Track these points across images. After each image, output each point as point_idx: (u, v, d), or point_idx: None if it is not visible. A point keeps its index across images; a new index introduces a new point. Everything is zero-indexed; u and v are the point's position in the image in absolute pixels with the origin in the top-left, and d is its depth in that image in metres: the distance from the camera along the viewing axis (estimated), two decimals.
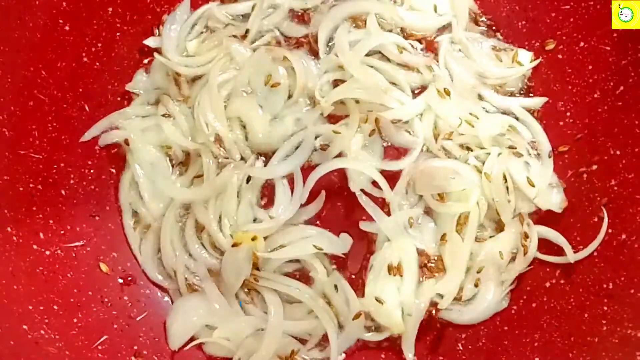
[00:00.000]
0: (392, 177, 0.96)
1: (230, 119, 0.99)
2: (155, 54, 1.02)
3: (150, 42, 1.03)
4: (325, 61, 1.01)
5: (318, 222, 0.98)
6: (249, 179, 0.97)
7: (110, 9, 0.99)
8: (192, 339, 0.95)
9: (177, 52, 1.03)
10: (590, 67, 0.96)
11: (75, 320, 0.89)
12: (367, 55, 1.00)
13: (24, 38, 0.90)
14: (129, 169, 1.02)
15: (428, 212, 0.98)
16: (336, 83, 0.99)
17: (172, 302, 0.99)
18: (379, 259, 0.94)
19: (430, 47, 1.05)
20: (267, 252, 0.93)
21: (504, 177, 0.95)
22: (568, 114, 0.99)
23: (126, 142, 1.01)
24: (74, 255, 0.95)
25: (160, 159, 1.01)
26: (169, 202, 0.99)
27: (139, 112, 1.03)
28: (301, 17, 1.06)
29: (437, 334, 0.97)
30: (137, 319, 0.96)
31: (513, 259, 0.95)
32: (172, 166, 1.02)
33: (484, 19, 1.07)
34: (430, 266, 0.96)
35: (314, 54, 1.03)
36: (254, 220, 0.97)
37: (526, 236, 0.94)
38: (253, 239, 0.91)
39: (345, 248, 0.94)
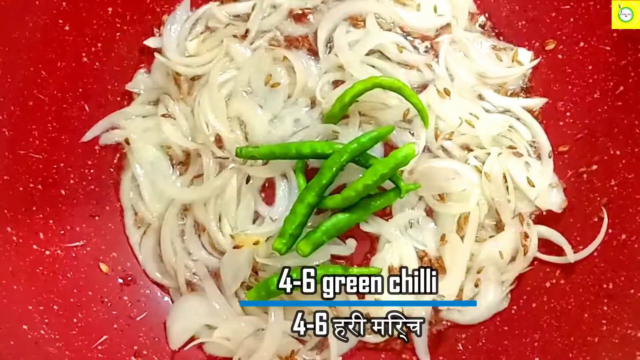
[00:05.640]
0: None
1: (230, 118, 0.99)
2: (156, 54, 1.02)
3: (150, 42, 1.03)
4: (325, 61, 1.01)
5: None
6: (248, 179, 0.97)
7: (110, 9, 0.99)
8: (192, 339, 0.95)
9: (178, 52, 1.03)
10: (590, 67, 0.96)
11: (75, 320, 0.89)
12: (366, 54, 1.00)
13: (24, 38, 0.90)
14: (129, 168, 1.02)
15: (428, 212, 0.98)
16: (336, 83, 1.00)
17: (172, 302, 0.99)
18: (379, 260, 0.94)
19: (430, 47, 1.04)
20: (267, 254, 0.92)
21: (504, 177, 0.95)
22: (568, 114, 0.99)
23: (126, 141, 1.01)
24: (74, 255, 0.95)
25: (160, 159, 1.01)
26: (169, 202, 0.99)
27: (139, 112, 1.03)
28: (301, 17, 1.06)
29: (437, 334, 0.97)
30: (137, 319, 0.96)
31: (513, 259, 0.95)
32: (172, 166, 1.02)
33: (483, 18, 1.07)
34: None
35: (314, 54, 1.03)
36: (254, 221, 0.97)
37: (526, 236, 0.94)
38: (255, 243, 0.91)
39: (348, 251, 0.94)
